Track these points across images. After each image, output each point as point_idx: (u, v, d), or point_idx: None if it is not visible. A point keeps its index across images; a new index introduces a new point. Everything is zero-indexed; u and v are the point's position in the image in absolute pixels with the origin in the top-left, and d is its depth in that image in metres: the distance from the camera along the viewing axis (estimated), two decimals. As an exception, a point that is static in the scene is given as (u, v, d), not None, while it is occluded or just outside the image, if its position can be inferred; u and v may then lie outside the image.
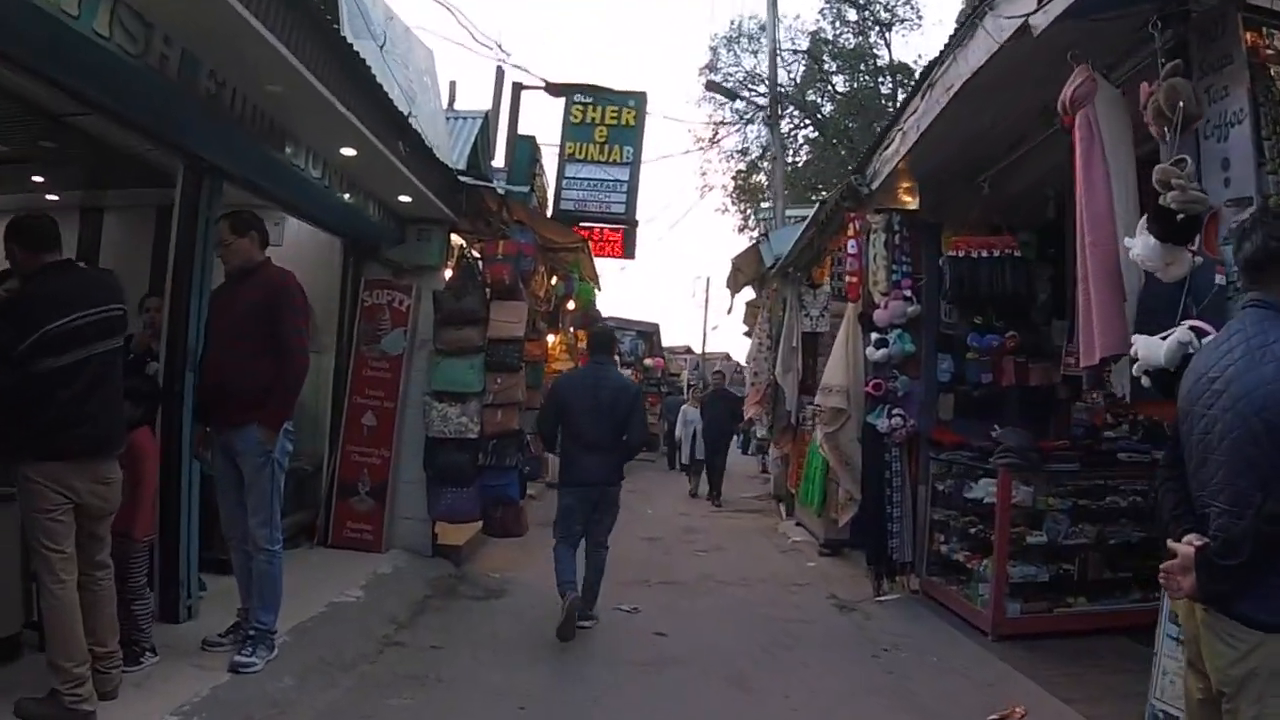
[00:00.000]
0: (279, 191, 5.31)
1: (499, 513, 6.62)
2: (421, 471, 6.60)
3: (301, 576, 5.10)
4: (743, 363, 38.24)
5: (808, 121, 28.76)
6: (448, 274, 6.95)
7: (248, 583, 4.13)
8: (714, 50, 27.72)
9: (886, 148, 5.83)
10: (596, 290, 7.85)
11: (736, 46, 27.50)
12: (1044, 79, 3.84)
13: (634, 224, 10.80)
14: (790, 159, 29.14)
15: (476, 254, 6.98)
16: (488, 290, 6.70)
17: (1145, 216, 3.15)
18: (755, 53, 27.75)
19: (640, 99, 11.12)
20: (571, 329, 13.82)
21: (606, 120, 10.96)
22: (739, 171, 29.51)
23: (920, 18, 27.11)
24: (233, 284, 4.15)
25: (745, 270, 11.29)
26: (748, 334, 20.17)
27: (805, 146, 29.03)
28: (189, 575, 4.45)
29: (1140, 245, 3.13)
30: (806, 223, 7.93)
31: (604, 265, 11.67)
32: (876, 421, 6.50)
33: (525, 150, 10.14)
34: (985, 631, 5.37)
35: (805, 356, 9.63)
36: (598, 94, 11.01)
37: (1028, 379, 6.85)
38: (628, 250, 10.84)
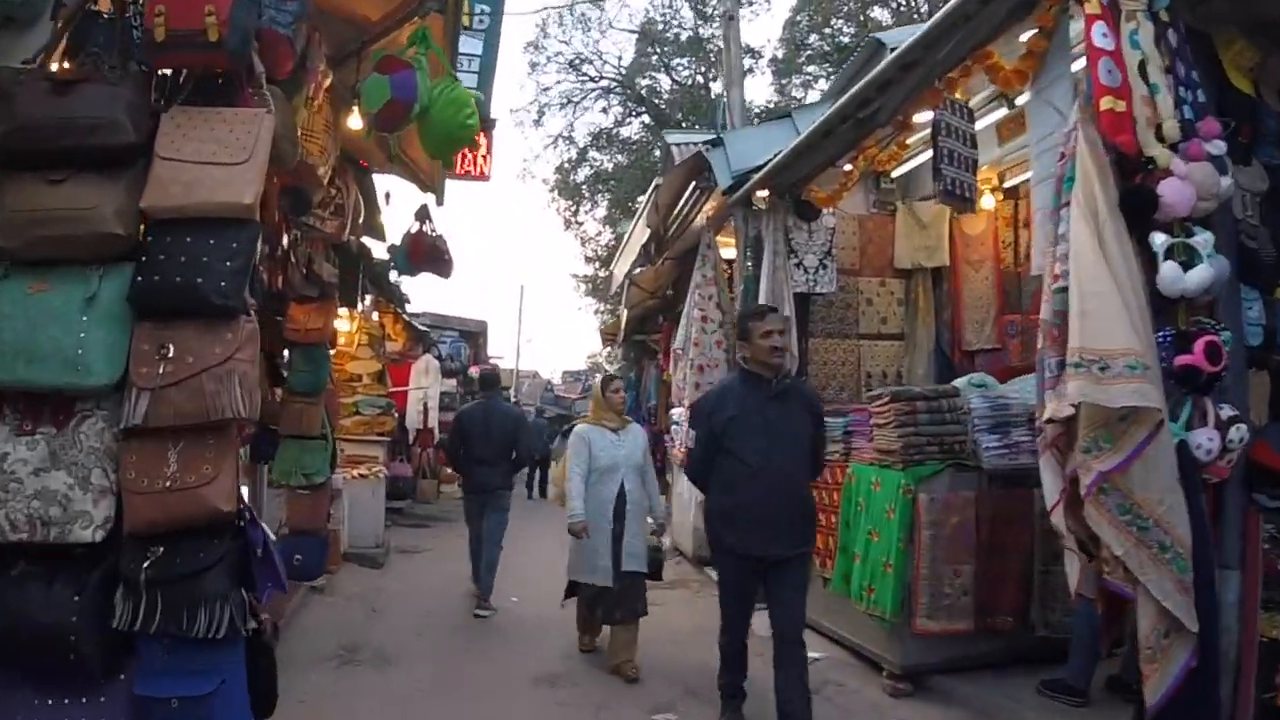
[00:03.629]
0: None
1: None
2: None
3: None
4: (554, 381, 33.99)
5: (641, 110, 26.05)
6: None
7: None
8: (542, 26, 24.42)
9: None
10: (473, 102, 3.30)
11: (567, 23, 24.37)
12: None
13: (489, 125, 6.42)
14: (616, 155, 26.14)
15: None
16: (155, 80, 2.19)
17: None
18: (586, 29, 24.95)
19: (503, -65, 6.77)
20: (373, 313, 9.17)
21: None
22: (565, 161, 26.19)
23: (769, 1, 25.35)
24: None
25: (665, 202, 7.23)
26: (611, 336, 16.00)
27: (637, 138, 26.25)
28: None
29: None
30: (900, 50, 3.95)
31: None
32: (1192, 437, 2.66)
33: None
34: None
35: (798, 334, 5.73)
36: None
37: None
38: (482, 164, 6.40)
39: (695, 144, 7.16)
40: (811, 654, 5.03)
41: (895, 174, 6.48)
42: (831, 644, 5.10)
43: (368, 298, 8.64)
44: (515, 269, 66.35)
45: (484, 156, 6.28)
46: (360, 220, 4.36)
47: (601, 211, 26.15)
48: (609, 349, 20.30)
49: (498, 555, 6.35)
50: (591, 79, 26.03)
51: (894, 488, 4.35)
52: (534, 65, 24.51)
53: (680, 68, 25.62)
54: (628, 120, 26.57)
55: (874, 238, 6.31)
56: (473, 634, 5.56)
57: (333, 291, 4.32)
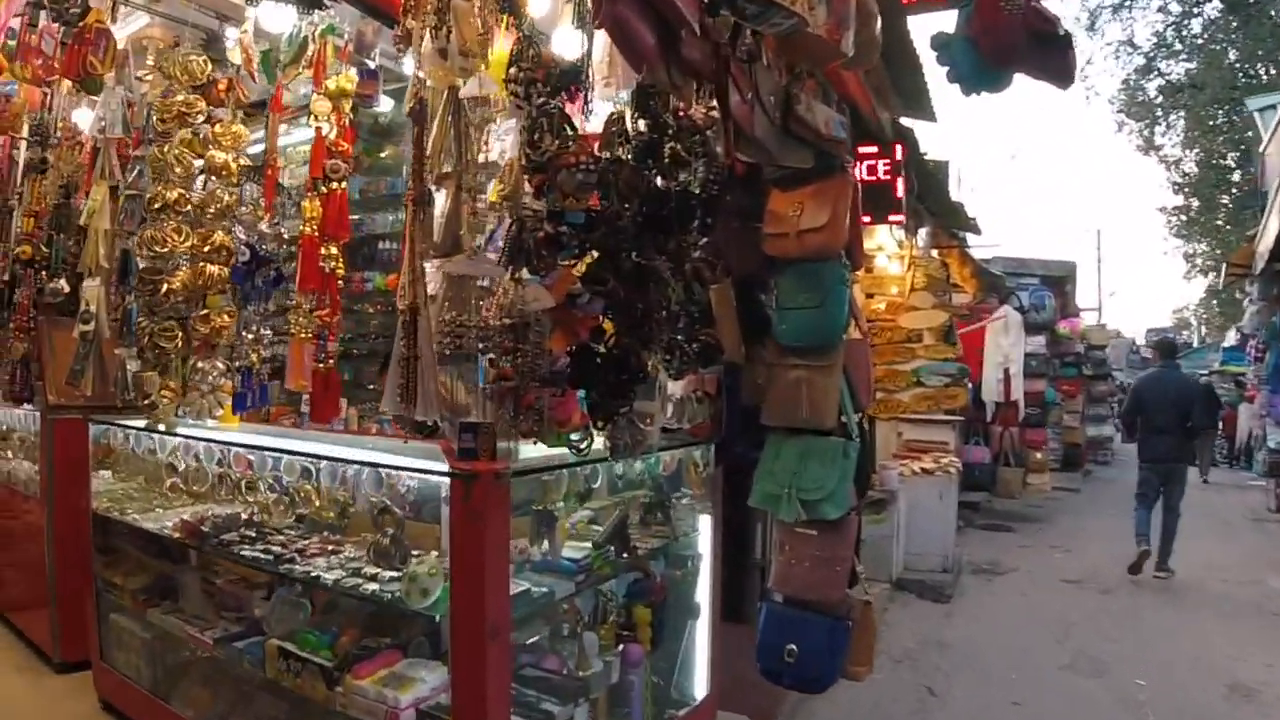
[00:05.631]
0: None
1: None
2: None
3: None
4: (1138, 341, 26.89)
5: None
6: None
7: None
8: None
9: None
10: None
11: None
12: None
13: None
14: (1187, 61, 20.08)
15: None
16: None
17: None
18: None
19: None
20: (931, 251, 6.99)
21: None
22: (1131, 73, 21.74)
23: None
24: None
25: None
26: (1242, 267, 11.08)
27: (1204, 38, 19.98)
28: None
29: None
30: None
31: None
32: None
33: None
34: None
35: None
36: None
37: None
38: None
39: None
40: None
41: None
42: None
43: (922, 231, 6.44)
44: (1087, 210, 56.16)
45: None
46: (876, 35, 2.23)
47: (1179, 133, 21.47)
48: (1235, 287, 14.93)
49: (1176, 523, 6.62)
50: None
51: None
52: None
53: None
54: (1195, 12, 19.93)
55: None
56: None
57: (842, 157, 2.30)
